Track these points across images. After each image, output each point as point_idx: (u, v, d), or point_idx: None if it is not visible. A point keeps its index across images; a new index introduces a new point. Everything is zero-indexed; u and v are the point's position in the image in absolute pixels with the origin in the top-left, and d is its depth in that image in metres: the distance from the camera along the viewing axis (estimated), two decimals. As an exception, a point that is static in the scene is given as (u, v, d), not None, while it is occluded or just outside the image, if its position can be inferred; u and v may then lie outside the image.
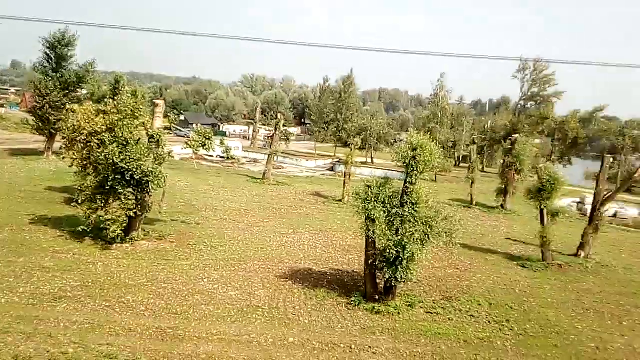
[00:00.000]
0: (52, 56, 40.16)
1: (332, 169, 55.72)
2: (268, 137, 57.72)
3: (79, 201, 19.18)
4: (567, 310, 16.79)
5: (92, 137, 20.11)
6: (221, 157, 44.94)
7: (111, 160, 18.46)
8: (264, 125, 67.14)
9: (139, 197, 19.50)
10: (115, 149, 18.62)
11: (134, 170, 18.48)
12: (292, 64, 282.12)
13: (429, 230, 15.07)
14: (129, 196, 18.97)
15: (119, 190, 18.76)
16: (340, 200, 32.67)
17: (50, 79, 39.71)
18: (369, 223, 15.14)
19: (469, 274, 19.68)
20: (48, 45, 39.83)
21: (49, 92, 39.15)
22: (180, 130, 78.27)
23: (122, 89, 24.05)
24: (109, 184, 18.70)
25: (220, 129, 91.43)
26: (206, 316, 14.24)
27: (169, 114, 63.49)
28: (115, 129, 19.35)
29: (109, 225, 18.75)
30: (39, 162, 39.41)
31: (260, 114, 76.81)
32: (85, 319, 13.40)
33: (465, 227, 26.90)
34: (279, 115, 45.14)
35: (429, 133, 48.73)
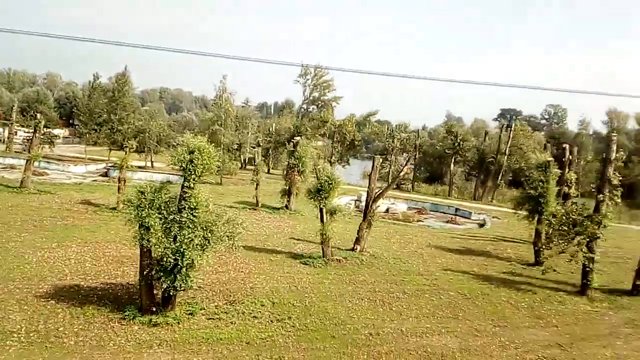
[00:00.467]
0: None
1: (105, 174, 51.30)
2: (27, 139, 51.10)
3: None
4: (344, 301, 17.72)
5: None
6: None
7: None
8: (22, 126, 59.18)
9: None
10: None
11: None
12: (54, 57, 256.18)
13: (210, 235, 14.66)
14: None
15: None
16: (114, 208, 30.08)
17: None
18: (142, 231, 14.16)
19: (254, 276, 19.71)
20: None
21: None
22: None
23: None
24: None
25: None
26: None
27: None
28: None
29: None
30: None
31: (19, 114, 67.76)
32: None
33: (250, 229, 27.18)
34: (38, 115, 40.31)
35: (212, 135, 49.01)
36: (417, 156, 74.55)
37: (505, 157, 66.94)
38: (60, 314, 14.53)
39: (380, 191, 25.64)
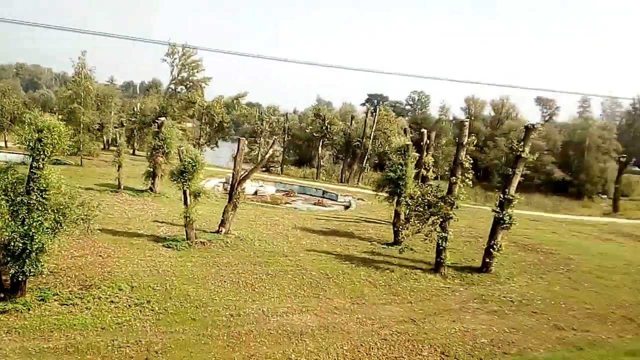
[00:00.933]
0: None
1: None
2: None
3: None
4: (206, 284, 17.71)
5: None
6: None
7: None
8: None
9: None
10: None
11: None
12: None
13: (62, 218, 13.99)
14: None
15: None
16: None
17: None
18: (-14, 214, 13.14)
19: (113, 260, 18.98)
20: None
21: None
22: None
23: None
24: None
25: None
26: None
27: None
28: None
29: None
30: None
31: None
32: None
33: (111, 212, 26.09)
34: None
35: (71, 114, 45.91)
36: (285, 139, 75.33)
37: (370, 141, 69.66)
38: None
39: (246, 173, 25.67)
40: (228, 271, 19.36)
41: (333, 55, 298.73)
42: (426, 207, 22.77)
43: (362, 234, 29.04)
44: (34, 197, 13.57)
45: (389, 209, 28.23)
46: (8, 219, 13.38)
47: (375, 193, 29.09)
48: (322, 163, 73.10)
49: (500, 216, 22.40)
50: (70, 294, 15.27)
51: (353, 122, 75.86)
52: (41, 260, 13.63)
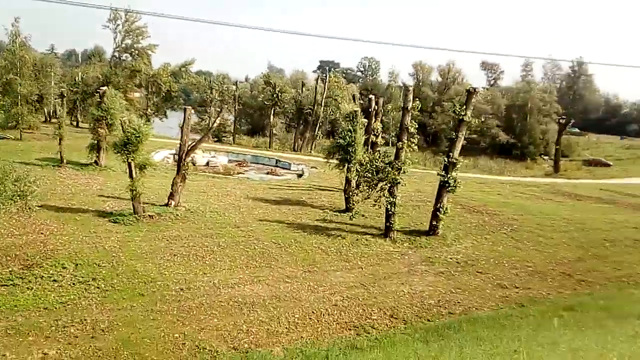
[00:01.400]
0: None
1: None
2: None
3: None
4: (155, 258, 17.38)
5: None
6: None
7: None
8: None
9: None
10: None
11: None
12: None
13: (-5, 195, 13.37)
14: None
15: None
16: None
17: None
18: None
19: (55, 237, 18.30)
20: None
21: None
22: None
23: None
24: None
25: None
26: None
27: None
28: None
29: None
30: None
31: None
32: None
33: (53, 188, 25.21)
34: None
35: (7, 85, 43.69)
36: (236, 108, 74.25)
37: (322, 108, 69.49)
38: None
39: (194, 144, 25.14)
40: (178, 245, 19.06)
41: (285, 21, 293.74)
42: (374, 173, 22.95)
43: (315, 202, 29.09)
44: (-36, 175, 12.94)
45: (340, 176, 28.32)
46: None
47: (326, 161, 29.09)
48: (274, 132, 72.65)
49: (445, 179, 22.81)
50: (11, 274, 14.74)
51: (304, 89, 75.38)
52: (-24, 240, 13.06)
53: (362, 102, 52.56)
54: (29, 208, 14.75)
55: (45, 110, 57.91)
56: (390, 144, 50.30)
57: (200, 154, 46.31)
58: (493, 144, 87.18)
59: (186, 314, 13.66)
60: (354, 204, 25.98)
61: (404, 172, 22.61)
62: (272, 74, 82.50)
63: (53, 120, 57.06)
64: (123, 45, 66.26)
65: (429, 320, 14.61)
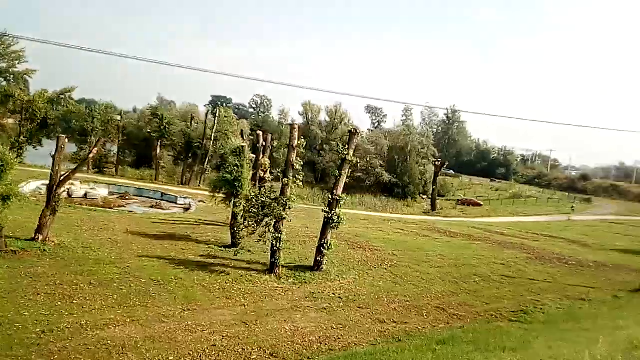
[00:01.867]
0: None
1: None
2: None
3: None
4: (15, 298, 15.81)
5: None
6: None
7: None
8: None
9: None
10: None
11: None
12: None
13: None
14: None
15: None
16: None
17: None
18: None
19: None
20: None
21: None
22: None
23: None
24: None
25: None
26: None
27: None
28: None
29: None
30: None
31: None
32: None
33: None
34: None
35: None
36: (120, 139, 71.50)
37: (212, 142, 68.76)
38: None
39: (66, 174, 23.61)
40: (42, 283, 17.50)
41: (179, 56, 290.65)
42: (260, 208, 22.89)
43: (200, 236, 28.44)
44: None
45: (228, 211, 27.89)
46: None
47: (212, 195, 28.59)
48: (162, 164, 70.68)
49: (330, 216, 23.23)
50: None
51: (193, 122, 74.53)
52: None
53: (252, 137, 52.77)
54: None
55: None
56: (280, 180, 50.64)
57: (79, 185, 43.81)
58: (377, 182, 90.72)
59: (46, 359, 12.47)
60: (240, 239, 25.62)
61: (290, 207, 22.75)
62: (160, 107, 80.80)
63: None
64: (-4, 70, 61.91)
65: (308, 358, 14.44)
